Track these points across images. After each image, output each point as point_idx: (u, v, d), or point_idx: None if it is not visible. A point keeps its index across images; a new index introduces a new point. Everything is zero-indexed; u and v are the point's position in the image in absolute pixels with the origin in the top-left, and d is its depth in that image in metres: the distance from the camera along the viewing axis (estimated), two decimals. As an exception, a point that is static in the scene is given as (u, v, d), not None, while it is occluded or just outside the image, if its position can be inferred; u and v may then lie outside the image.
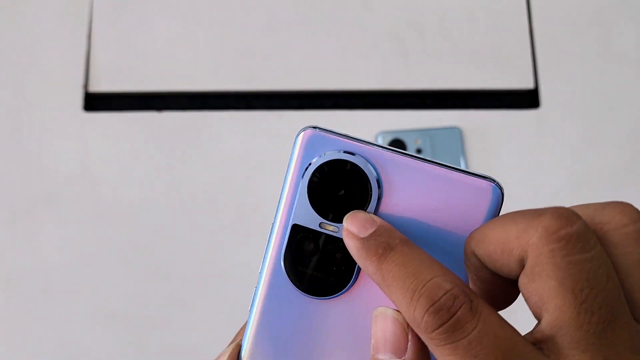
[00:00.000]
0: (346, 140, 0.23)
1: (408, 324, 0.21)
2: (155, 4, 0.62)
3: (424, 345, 0.21)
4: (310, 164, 0.23)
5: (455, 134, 0.58)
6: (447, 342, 0.19)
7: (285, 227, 0.24)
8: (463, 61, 0.61)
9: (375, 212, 0.23)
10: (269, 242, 0.24)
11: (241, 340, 0.25)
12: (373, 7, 0.62)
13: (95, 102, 0.60)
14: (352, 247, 0.22)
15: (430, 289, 0.20)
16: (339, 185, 0.23)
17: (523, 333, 0.21)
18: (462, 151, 0.58)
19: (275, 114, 0.59)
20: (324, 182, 0.23)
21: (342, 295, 0.24)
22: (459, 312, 0.19)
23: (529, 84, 0.60)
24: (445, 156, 0.58)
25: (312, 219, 0.24)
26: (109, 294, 0.54)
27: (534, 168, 0.58)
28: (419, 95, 0.60)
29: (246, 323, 0.24)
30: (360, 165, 0.23)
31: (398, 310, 0.21)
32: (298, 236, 0.24)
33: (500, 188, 0.23)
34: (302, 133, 0.24)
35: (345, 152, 0.23)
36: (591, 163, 0.58)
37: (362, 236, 0.22)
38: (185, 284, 0.54)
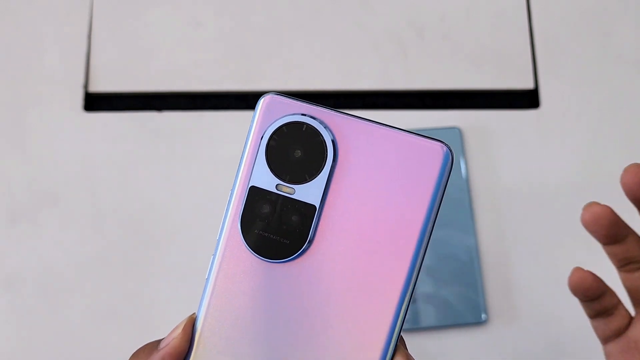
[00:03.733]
0: (304, 104, 0.24)
1: None
2: (155, 4, 0.62)
3: None
4: (268, 127, 0.24)
5: (455, 134, 0.58)
6: None
7: (244, 190, 0.24)
8: (463, 61, 0.61)
9: (331, 173, 0.24)
10: (227, 207, 0.24)
11: (195, 313, 0.25)
12: (373, 7, 0.62)
13: (96, 102, 0.60)
14: None
15: None
16: (295, 147, 0.24)
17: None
18: (462, 151, 0.58)
19: (275, 114, 0.59)
20: (280, 144, 0.24)
21: (297, 260, 0.24)
22: None
23: (528, 84, 0.60)
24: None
25: (269, 181, 0.24)
26: (109, 294, 0.54)
27: (534, 168, 0.58)
28: (418, 95, 0.60)
29: (202, 292, 0.24)
30: (316, 127, 0.24)
31: None
32: (255, 198, 0.24)
33: (451, 151, 0.24)
34: (263, 98, 0.24)
35: (302, 115, 0.24)
36: (591, 163, 0.58)
37: None
38: (186, 284, 0.54)
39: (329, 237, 0.24)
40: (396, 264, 0.23)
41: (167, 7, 0.62)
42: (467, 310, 0.54)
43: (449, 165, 0.23)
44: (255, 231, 0.24)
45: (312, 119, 0.24)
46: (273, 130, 0.24)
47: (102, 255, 0.55)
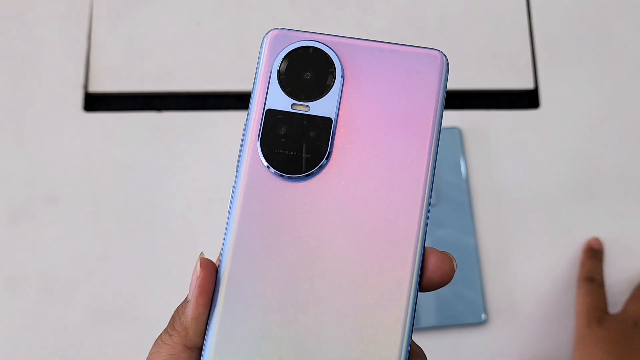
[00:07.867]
0: (307, 32, 0.26)
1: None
2: (155, 4, 0.62)
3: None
4: (278, 54, 0.25)
5: (455, 134, 0.58)
6: None
7: (259, 116, 0.25)
8: (463, 61, 0.61)
9: (342, 90, 0.25)
10: (244, 137, 0.25)
11: (202, 252, 0.25)
12: (373, 7, 0.62)
13: (95, 102, 0.60)
14: None
15: None
16: (305, 68, 0.25)
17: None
18: (462, 151, 0.58)
19: (275, 114, 0.59)
20: (291, 67, 0.25)
21: (319, 175, 0.24)
22: None
23: (528, 84, 0.60)
24: (445, 156, 0.58)
25: (284, 102, 0.25)
26: (109, 294, 0.54)
27: (534, 168, 0.58)
28: (418, 95, 0.60)
29: (227, 222, 0.25)
30: (322, 49, 0.25)
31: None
32: (272, 120, 0.25)
33: (446, 56, 0.26)
34: (268, 33, 0.26)
35: (307, 40, 0.26)
36: (591, 163, 0.58)
37: None
38: (186, 284, 0.54)
39: (346, 148, 0.25)
40: (414, 165, 0.24)
41: (167, 7, 0.62)
42: (467, 310, 0.54)
43: (446, 68, 0.25)
44: (276, 150, 0.25)
45: (316, 42, 0.25)
46: (283, 56, 0.25)
47: (102, 254, 0.55)
